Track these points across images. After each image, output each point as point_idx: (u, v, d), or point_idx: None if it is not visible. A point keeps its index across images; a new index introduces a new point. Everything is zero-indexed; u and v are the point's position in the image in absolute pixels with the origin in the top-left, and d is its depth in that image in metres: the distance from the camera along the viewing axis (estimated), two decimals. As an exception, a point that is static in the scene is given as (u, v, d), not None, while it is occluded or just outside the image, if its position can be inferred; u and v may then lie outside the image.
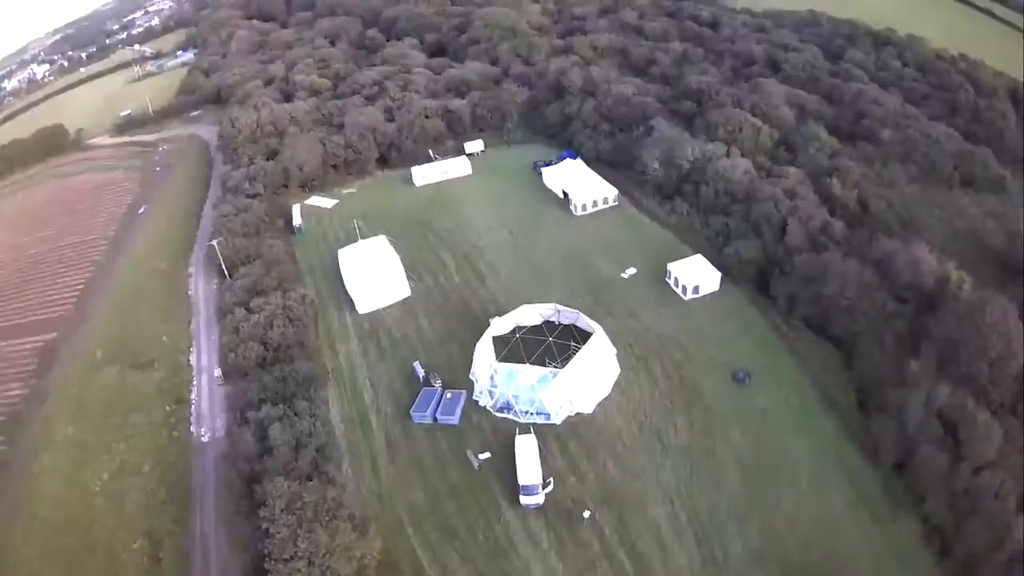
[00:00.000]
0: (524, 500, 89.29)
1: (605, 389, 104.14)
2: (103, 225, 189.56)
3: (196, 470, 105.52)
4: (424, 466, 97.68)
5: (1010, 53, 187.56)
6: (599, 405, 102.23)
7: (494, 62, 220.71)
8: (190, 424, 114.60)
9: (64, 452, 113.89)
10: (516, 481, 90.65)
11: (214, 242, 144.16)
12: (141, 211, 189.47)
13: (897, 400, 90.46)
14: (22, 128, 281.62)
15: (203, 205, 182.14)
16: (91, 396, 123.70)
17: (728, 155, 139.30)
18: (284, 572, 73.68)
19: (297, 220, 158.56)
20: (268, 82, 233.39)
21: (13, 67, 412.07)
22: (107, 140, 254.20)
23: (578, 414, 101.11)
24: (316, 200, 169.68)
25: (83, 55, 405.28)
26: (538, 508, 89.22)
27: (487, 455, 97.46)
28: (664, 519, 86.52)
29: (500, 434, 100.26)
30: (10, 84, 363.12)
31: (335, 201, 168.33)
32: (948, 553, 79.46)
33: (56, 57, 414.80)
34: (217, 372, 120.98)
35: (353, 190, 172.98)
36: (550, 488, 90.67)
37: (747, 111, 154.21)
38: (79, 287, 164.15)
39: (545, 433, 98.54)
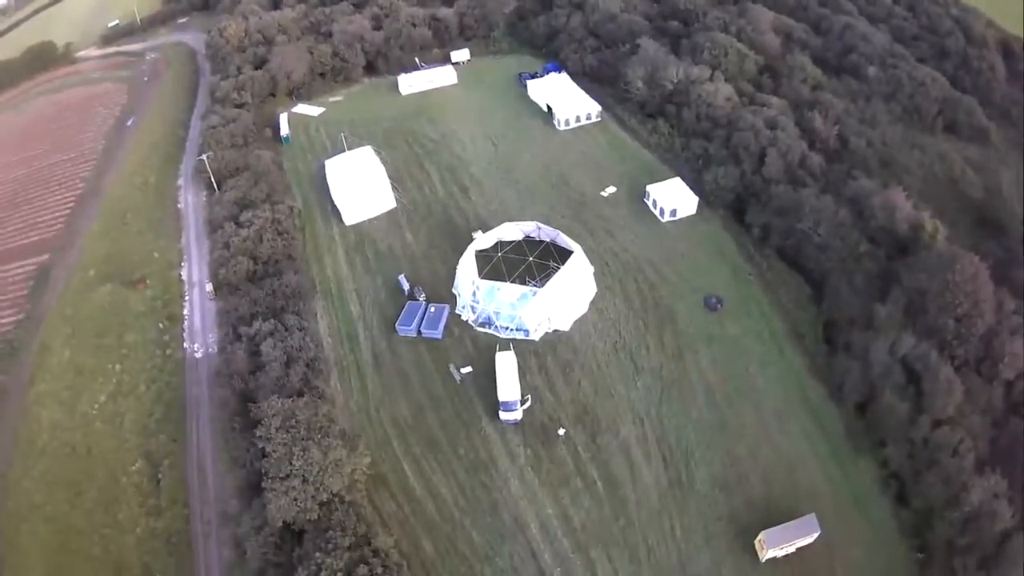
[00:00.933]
0: (503, 416, 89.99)
1: (582, 308, 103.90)
2: (92, 140, 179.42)
3: (190, 387, 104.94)
4: (409, 379, 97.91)
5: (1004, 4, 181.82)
6: (576, 323, 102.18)
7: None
8: (183, 341, 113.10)
9: (60, 377, 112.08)
10: (496, 396, 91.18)
11: (204, 157, 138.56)
12: (129, 123, 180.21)
13: (862, 342, 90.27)
14: (12, 47, 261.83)
15: (191, 115, 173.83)
16: (85, 317, 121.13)
17: (712, 79, 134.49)
18: (281, 490, 74.35)
19: (284, 129, 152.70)
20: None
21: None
22: (95, 52, 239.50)
23: (556, 331, 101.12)
24: (303, 108, 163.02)
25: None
26: (516, 424, 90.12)
27: (469, 369, 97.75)
28: (634, 440, 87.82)
29: (481, 348, 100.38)
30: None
31: (322, 109, 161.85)
32: (905, 502, 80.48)
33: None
34: (208, 287, 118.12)
35: (339, 98, 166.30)
36: (528, 404, 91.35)
37: (733, 35, 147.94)
38: (69, 206, 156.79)
39: (524, 349, 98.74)
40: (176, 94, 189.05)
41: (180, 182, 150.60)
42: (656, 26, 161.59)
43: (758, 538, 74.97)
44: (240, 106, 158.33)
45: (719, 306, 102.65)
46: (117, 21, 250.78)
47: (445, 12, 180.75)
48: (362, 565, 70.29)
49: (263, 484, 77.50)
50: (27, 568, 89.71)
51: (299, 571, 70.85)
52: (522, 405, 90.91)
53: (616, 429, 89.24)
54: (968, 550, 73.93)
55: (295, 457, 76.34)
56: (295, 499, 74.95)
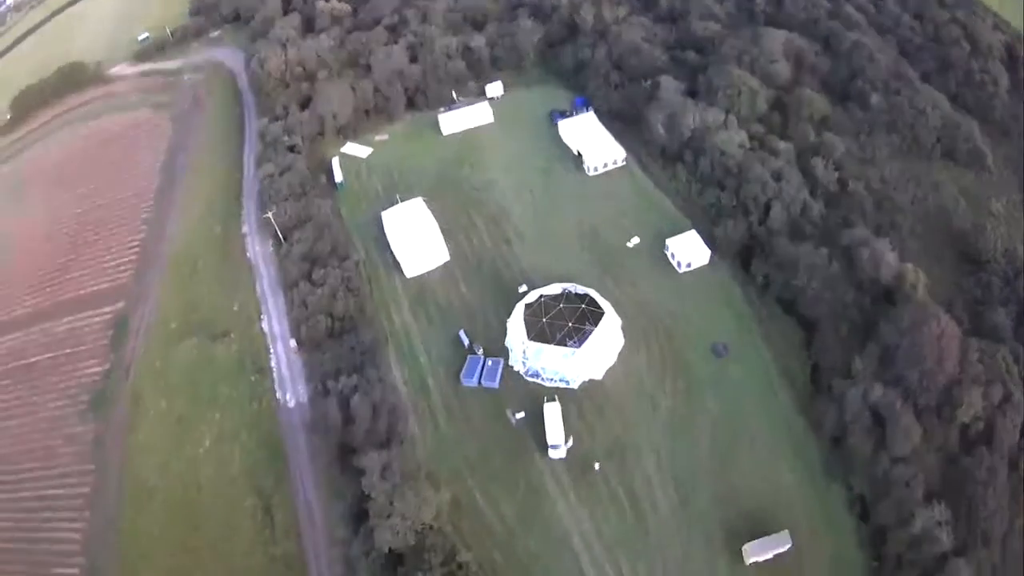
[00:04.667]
0: (551, 454, 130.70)
1: (612, 358, 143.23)
2: (144, 177, 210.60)
3: (287, 434, 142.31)
4: (473, 423, 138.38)
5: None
6: (607, 372, 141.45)
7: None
8: (275, 392, 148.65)
9: (161, 425, 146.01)
10: (545, 439, 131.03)
11: (269, 214, 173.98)
12: (179, 159, 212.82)
13: (841, 388, 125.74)
14: (32, 56, 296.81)
15: (242, 152, 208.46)
16: (175, 370, 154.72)
17: (726, 124, 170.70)
18: (385, 525, 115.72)
19: (338, 176, 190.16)
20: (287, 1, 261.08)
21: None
22: (127, 70, 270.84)
23: (591, 380, 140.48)
24: (351, 148, 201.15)
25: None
26: (562, 459, 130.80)
27: (522, 414, 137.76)
28: (652, 469, 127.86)
29: (532, 396, 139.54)
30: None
31: (370, 150, 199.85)
32: (866, 519, 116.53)
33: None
34: (292, 343, 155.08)
35: (385, 137, 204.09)
36: (571, 444, 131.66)
37: (747, 66, 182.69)
38: (135, 251, 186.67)
39: (566, 396, 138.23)
40: (222, 127, 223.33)
41: (245, 230, 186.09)
42: (675, 57, 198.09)
43: (743, 548, 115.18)
44: (292, 149, 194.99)
45: (725, 352, 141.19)
46: (148, 35, 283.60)
47: (477, 41, 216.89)
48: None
49: (371, 522, 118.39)
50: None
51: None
52: (565, 444, 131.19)
53: (639, 460, 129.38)
54: (913, 565, 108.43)
55: (395, 501, 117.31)
56: (397, 531, 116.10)
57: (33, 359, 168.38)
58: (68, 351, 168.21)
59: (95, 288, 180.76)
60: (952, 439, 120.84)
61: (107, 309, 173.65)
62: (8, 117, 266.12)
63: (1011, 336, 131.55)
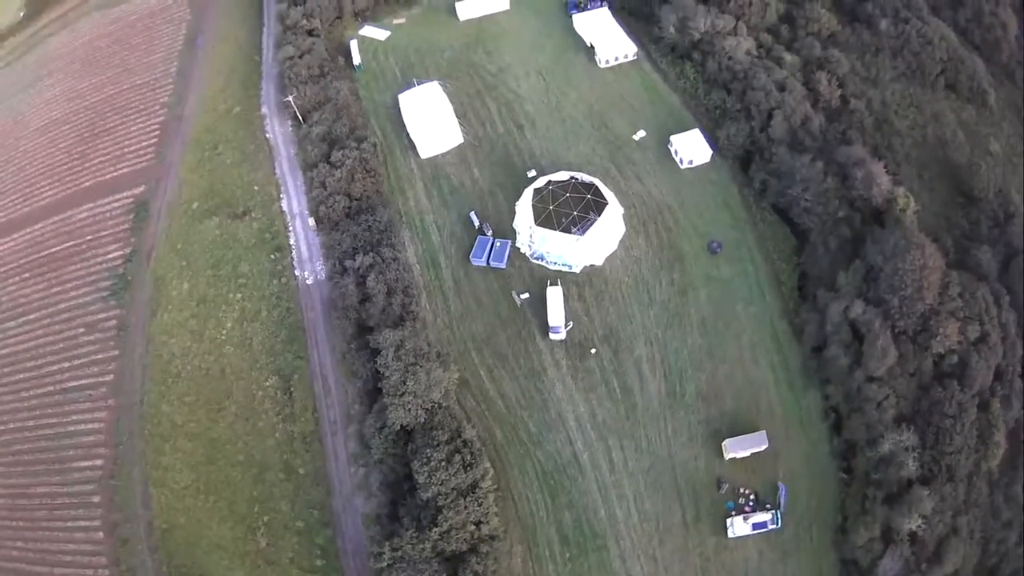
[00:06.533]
0: (552, 336, 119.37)
1: (613, 245, 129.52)
2: (163, 61, 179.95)
3: (306, 311, 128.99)
4: (481, 302, 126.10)
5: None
6: (608, 258, 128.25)
7: None
8: (294, 269, 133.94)
9: (183, 307, 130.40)
10: (547, 321, 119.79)
11: (289, 98, 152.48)
12: (198, 42, 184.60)
13: (824, 300, 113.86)
14: None
15: (260, 35, 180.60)
16: (197, 250, 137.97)
17: (735, 31, 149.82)
18: (398, 403, 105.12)
19: (356, 58, 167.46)
20: None
21: None
22: None
23: (592, 265, 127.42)
24: (369, 31, 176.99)
25: None
26: (561, 342, 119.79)
27: (527, 295, 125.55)
28: (644, 358, 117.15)
29: (536, 278, 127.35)
30: None
31: (387, 33, 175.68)
32: (839, 433, 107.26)
33: None
34: (311, 221, 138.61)
35: (402, 20, 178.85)
36: (570, 327, 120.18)
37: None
38: (154, 134, 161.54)
39: (568, 279, 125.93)
40: (241, 13, 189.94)
41: (264, 110, 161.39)
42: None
43: (724, 443, 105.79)
44: (311, 32, 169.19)
45: (719, 249, 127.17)
46: None
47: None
48: (456, 455, 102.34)
49: (384, 400, 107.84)
50: (176, 481, 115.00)
51: (415, 463, 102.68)
52: (565, 328, 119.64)
53: (632, 348, 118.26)
54: (879, 485, 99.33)
55: (408, 380, 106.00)
56: (408, 409, 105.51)
57: (53, 249, 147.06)
58: (89, 238, 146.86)
59: (115, 174, 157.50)
60: (926, 368, 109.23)
61: (128, 194, 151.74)
62: (22, 14, 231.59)
63: (995, 277, 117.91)
